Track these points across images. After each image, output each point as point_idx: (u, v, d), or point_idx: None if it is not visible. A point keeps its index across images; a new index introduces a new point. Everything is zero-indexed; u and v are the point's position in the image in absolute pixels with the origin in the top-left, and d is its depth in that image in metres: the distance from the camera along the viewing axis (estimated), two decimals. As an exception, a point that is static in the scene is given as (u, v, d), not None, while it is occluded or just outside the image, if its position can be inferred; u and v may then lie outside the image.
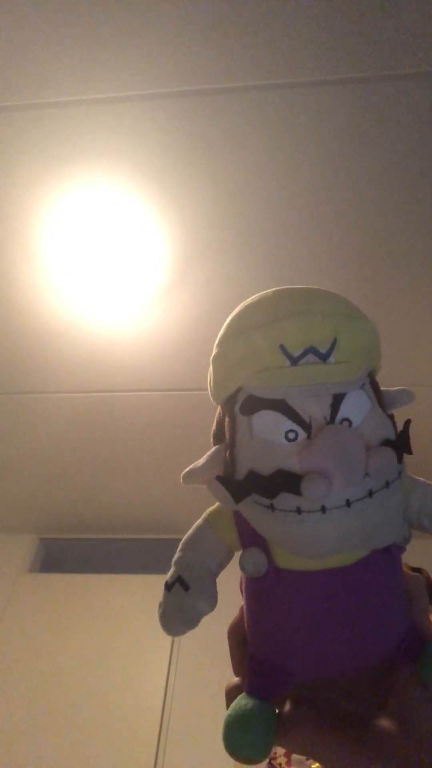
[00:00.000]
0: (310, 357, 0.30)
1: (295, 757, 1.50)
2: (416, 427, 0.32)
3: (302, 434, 0.29)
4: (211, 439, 0.35)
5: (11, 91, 1.10)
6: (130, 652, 2.13)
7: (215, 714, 1.97)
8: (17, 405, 1.86)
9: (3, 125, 1.15)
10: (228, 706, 0.31)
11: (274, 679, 0.31)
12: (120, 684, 2.06)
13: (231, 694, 0.31)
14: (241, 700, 0.30)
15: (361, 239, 1.32)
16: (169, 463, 2.05)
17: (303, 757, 1.46)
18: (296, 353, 0.30)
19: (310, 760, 1.43)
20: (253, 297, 0.34)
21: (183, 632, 0.32)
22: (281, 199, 1.25)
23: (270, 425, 0.29)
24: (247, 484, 0.29)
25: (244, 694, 0.30)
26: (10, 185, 1.26)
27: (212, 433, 0.35)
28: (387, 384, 0.34)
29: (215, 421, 0.35)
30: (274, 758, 1.49)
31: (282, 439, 0.29)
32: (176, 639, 2.15)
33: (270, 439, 0.29)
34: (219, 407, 0.34)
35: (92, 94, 1.10)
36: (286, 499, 0.28)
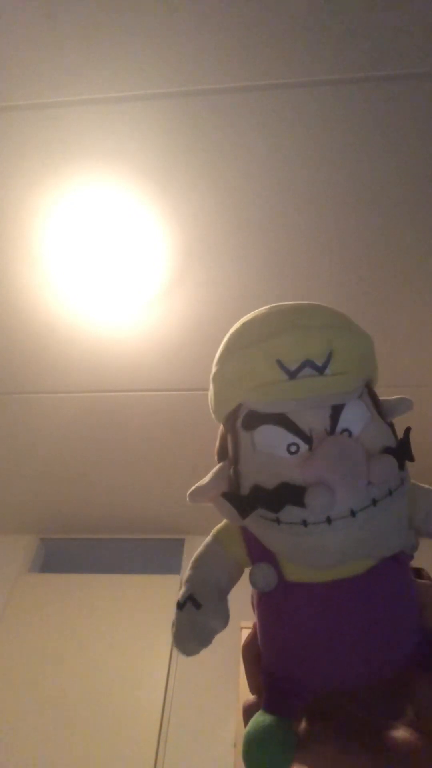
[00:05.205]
0: (307, 370, 0.30)
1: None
2: (419, 429, 0.32)
3: (304, 446, 0.29)
4: (215, 457, 0.35)
5: (11, 91, 1.10)
6: (130, 651, 2.13)
7: (215, 714, 1.98)
8: (17, 405, 1.86)
9: (3, 125, 1.15)
10: (246, 723, 0.31)
11: (291, 693, 0.30)
12: (120, 683, 2.06)
13: (249, 712, 0.31)
14: (260, 717, 0.30)
15: (361, 238, 1.32)
16: (168, 463, 2.05)
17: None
18: (293, 367, 0.30)
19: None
20: (248, 315, 0.35)
21: (197, 651, 0.32)
22: (281, 199, 1.25)
23: (272, 439, 0.30)
24: (253, 499, 0.29)
25: (261, 710, 0.30)
26: (10, 185, 1.26)
27: (215, 450, 0.35)
28: (389, 385, 0.34)
29: (218, 439, 0.35)
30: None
31: (284, 453, 0.29)
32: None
33: (272, 453, 0.29)
34: (221, 424, 0.35)
35: (92, 94, 1.10)
36: (291, 512, 0.28)
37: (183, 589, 0.34)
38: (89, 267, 1.42)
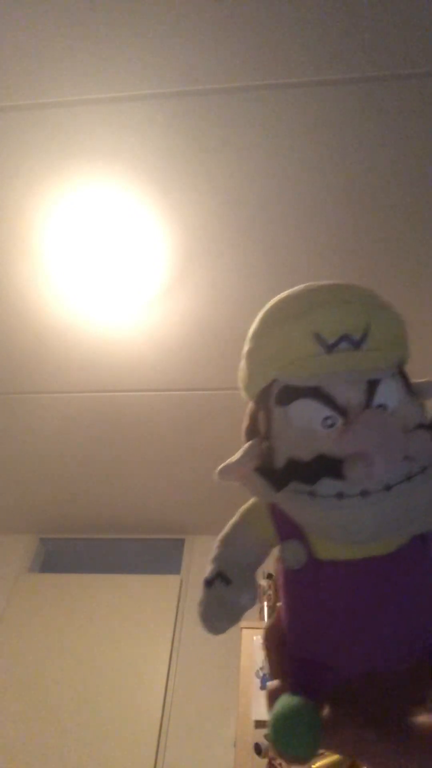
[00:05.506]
0: (344, 344, 0.30)
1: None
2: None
3: (339, 420, 0.29)
4: (243, 436, 0.34)
5: (11, 91, 1.10)
6: (130, 651, 2.13)
7: (215, 714, 1.98)
8: (17, 405, 1.86)
9: (3, 125, 1.15)
10: (270, 706, 0.31)
11: (318, 675, 0.31)
12: (120, 683, 2.06)
13: (274, 695, 0.31)
14: (287, 699, 0.30)
15: (361, 238, 1.32)
16: (168, 463, 2.05)
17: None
18: (331, 341, 0.30)
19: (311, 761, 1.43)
20: (283, 293, 0.35)
21: (225, 628, 0.32)
22: (281, 199, 1.25)
23: (307, 413, 0.30)
24: (288, 472, 0.29)
25: (288, 693, 0.30)
26: (10, 185, 1.26)
27: (244, 429, 0.34)
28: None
29: (247, 417, 0.34)
30: (274, 758, 1.49)
31: (320, 426, 0.29)
32: (176, 639, 2.15)
33: (308, 427, 0.29)
34: (251, 403, 0.34)
35: (92, 94, 1.10)
36: (327, 485, 0.28)
37: (210, 568, 0.33)
38: (89, 267, 1.42)
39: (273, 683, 0.32)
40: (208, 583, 0.32)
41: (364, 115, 1.10)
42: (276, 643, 0.33)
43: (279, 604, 0.33)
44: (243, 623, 1.77)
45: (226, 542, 0.34)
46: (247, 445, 0.32)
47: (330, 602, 0.30)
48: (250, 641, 1.69)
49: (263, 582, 1.82)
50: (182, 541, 2.48)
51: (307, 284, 0.34)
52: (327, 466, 0.28)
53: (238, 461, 0.31)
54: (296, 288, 0.34)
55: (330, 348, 0.30)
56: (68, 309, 1.54)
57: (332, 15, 0.97)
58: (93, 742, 1.91)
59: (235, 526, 0.35)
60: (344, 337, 0.30)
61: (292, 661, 0.31)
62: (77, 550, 2.57)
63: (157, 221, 1.31)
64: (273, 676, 0.33)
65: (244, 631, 1.71)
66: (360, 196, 1.23)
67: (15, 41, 1.03)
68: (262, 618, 1.78)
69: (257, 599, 0.33)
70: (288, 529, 0.31)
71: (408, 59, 1.02)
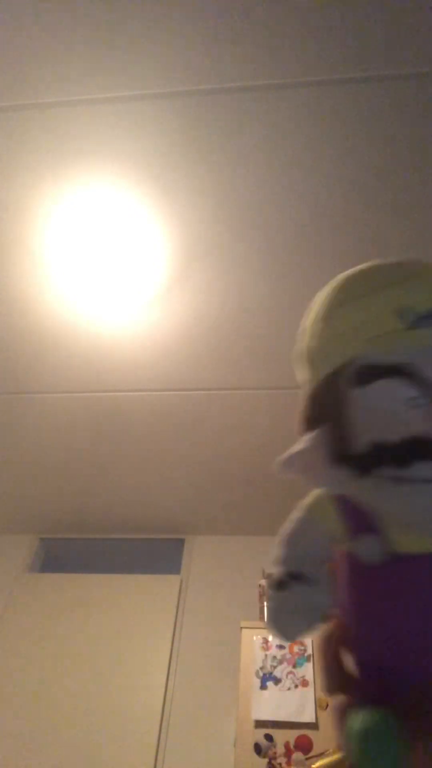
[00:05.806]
0: (428, 320, 0.28)
1: (295, 757, 1.50)
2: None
3: (425, 400, 0.27)
4: (301, 424, 0.32)
5: (11, 91, 1.10)
6: (130, 651, 2.13)
7: (215, 714, 1.98)
8: (17, 405, 1.86)
9: (3, 125, 1.15)
10: (340, 723, 0.28)
11: (392, 686, 0.28)
12: (120, 683, 2.06)
13: (344, 710, 0.29)
14: (368, 714, 0.27)
15: (360, 237, 1.32)
16: (168, 462, 2.05)
17: (303, 757, 1.45)
18: (419, 315, 0.28)
19: (310, 761, 1.43)
20: (345, 273, 0.32)
21: (305, 634, 0.30)
22: (280, 198, 1.25)
23: (391, 393, 0.28)
24: (374, 457, 0.27)
25: (365, 707, 0.28)
26: (11, 185, 1.26)
27: (302, 416, 0.32)
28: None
29: (308, 403, 0.32)
30: (274, 758, 1.49)
31: (407, 407, 0.27)
32: (176, 639, 2.15)
33: (393, 408, 0.27)
34: (307, 388, 0.32)
35: (92, 94, 1.10)
36: (422, 468, 0.26)
37: (279, 569, 0.31)
38: (89, 267, 1.42)
39: (339, 699, 0.29)
40: (281, 585, 0.30)
41: (363, 115, 1.10)
42: (334, 653, 0.30)
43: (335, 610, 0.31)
44: (243, 623, 1.76)
45: (293, 540, 0.32)
46: (314, 432, 0.29)
47: (415, 597, 0.28)
48: (250, 641, 1.69)
49: (263, 582, 1.82)
50: (182, 541, 2.48)
51: (374, 262, 0.32)
52: (423, 449, 0.26)
53: (306, 450, 0.29)
54: (362, 267, 0.32)
55: (414, 323, 0.28)
56: (68, 309, 1.54)
57: (332, 15, 0.97)
58: (93, 741, 1.91)
59: (302, 522, 0.32)
60: (430, 313, 0.28)
61: (366, 669, 0.29)
62: (77, 550, 2.57)
63: (157, 221, 1.31)
64: (331, 690, 0.30)
65: (244, 631, 1.71)
66: (360, 196, 1.23)
67: (15, 41, 1.03)
68: (262, 618, 1.78)
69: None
70: (360, 523, 0.29)
71: (408, 59, 1.02)
